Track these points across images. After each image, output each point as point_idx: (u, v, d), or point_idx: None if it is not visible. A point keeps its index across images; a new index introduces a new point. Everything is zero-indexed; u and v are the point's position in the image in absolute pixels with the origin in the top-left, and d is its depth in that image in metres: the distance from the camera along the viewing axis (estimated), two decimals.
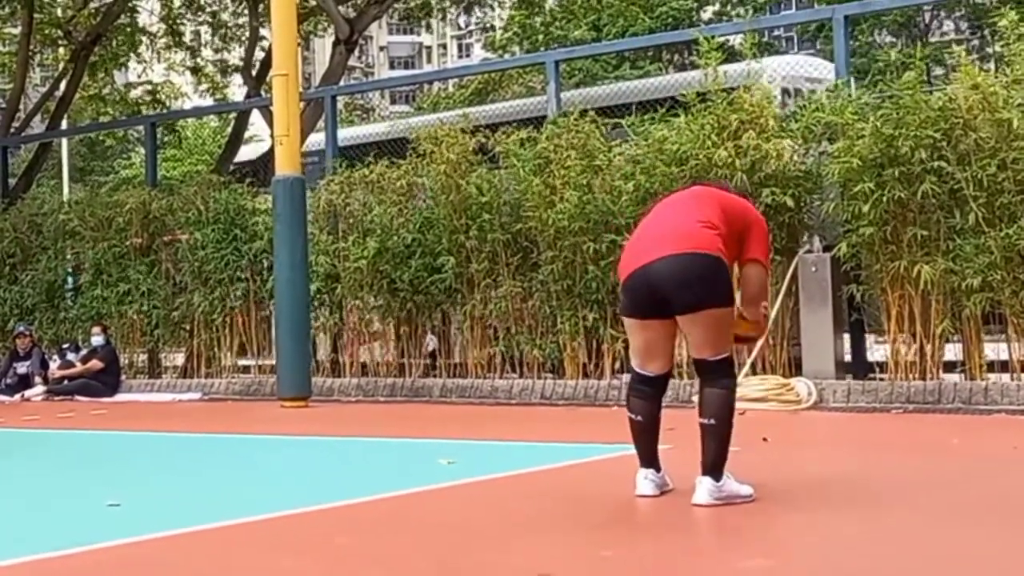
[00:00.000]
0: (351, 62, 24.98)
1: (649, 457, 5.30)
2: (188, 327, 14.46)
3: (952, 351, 10.24)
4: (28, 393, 14.54)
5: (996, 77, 10.01)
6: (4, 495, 6.26)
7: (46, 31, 21.88)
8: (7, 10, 22.08)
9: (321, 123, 16.95)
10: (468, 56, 74.31)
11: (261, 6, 19.84)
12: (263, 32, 20.48)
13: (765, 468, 6.03)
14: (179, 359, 14.75)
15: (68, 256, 15.73)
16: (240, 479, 6.67)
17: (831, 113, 10.37)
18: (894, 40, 42.06)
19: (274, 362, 12.46)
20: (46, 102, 22.83)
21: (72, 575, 4.15)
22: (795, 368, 10.45)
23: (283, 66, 11.92)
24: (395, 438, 8.51)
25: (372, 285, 12.68)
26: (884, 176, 9.87)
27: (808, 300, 10.44)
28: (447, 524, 4.89)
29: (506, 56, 40.62)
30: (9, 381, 14.94)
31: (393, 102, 62.38)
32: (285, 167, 11.74)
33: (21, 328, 15.23)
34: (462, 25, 62.92)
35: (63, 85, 21.76)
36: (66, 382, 14.40)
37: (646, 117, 11.34)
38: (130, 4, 21.75)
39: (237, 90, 27.35)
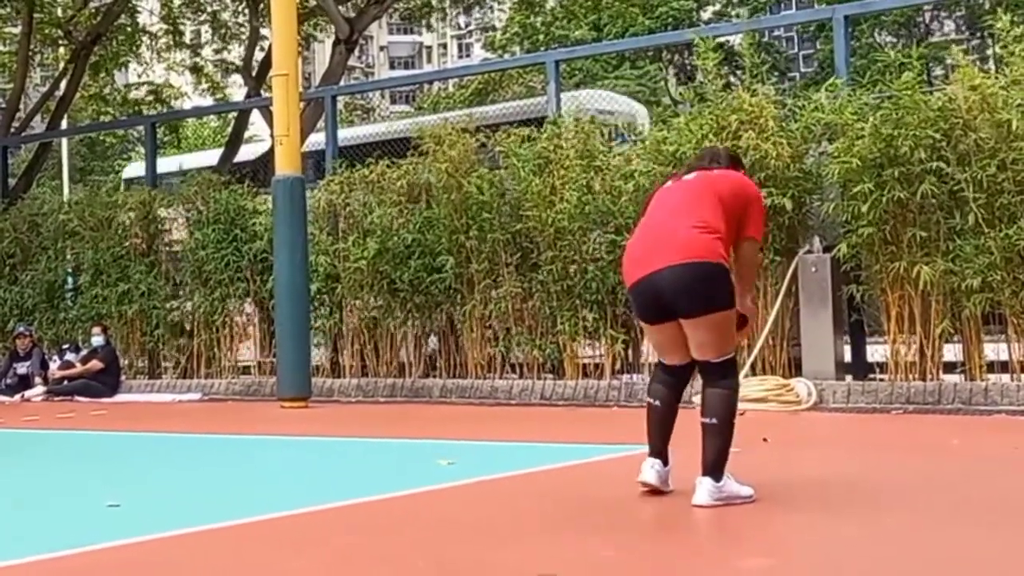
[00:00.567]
0: (351, 62, 24.99)
1: (660, 448, 5.36)
2: (188, 327, 14.47)
3: (952, 352, 10.24)
4: (28, 393, 14.54)
5: (996, 78, 10.01)
6: (3, 495, 6.25)
7: (46, 31, 21.88)
8: (7, 10, 22.09)
9: (321, 123, 16.97)
10: (468, 56, 74.38)
11: (261, 6, 19.84)
12: (263, 32, 20.48)
13: (765, 469, 6.03)
14: (178, 359, 14.73)
15: (68, 256, 15.72)
16: (240, 479, 6.67)
17: (831, 113, 10.37)
18: (894, 40, 42.06)
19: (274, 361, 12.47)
20: (46, 102, 22.83)
21: (72, 575, 4.15)
22: (795, 369, 10.45)
23: (283, 66, 11.91)
24: (395, 439, 8.51)
25: (372, 285, 12.68)
26: (884, 176, 9.87)
27: (808, 301, 10.44)
28: (447, 524, 4.89)
29: (506, 56, 40.62)
30: (9, 381, 14.95)
31: (393, 102, 62.37)
32: (285, 167, 11.73)
33: (21, 328, 15.23)
34: (462, 25, 62.97)
35: (63, 85, 21.77)
36: (66, 382, 14.40)
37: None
38: (130, 4, 21.75)
39: (237, 90, 27.36)
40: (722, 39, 13.36)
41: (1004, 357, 9.81)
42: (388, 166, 12.94)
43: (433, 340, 12.92)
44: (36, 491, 6.36)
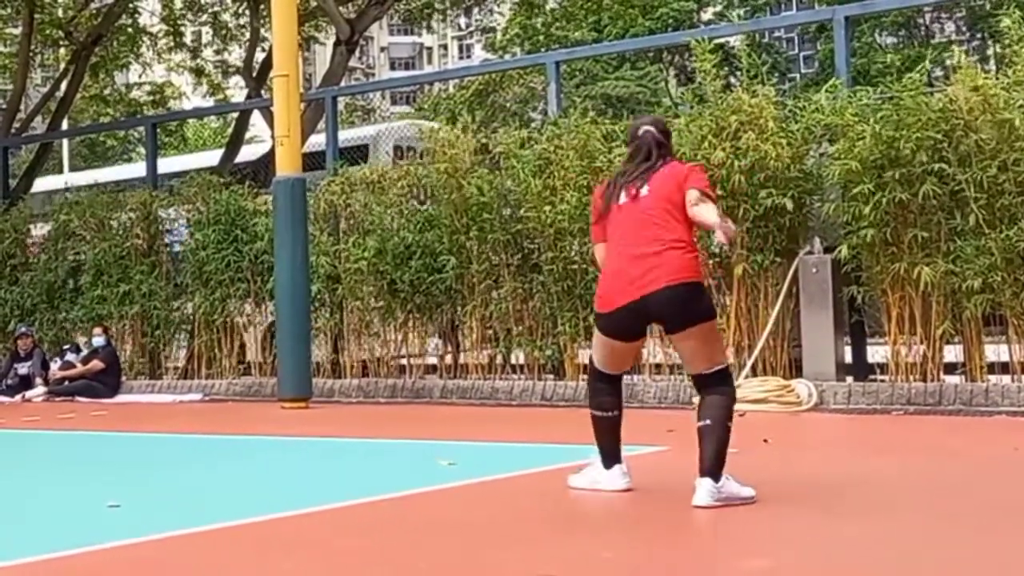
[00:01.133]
0: (352, 63, 24.97)
1: (617, 453, 5.53)
2: (189, 328, 14.48)
3: (952, 353, 10.24)
4: (29, 394, 14.54)
5: (997, 79, 10.01)
6: (4, 495, 6.26)
7: (47, 31, 21.86)
8: (8, 10, 22.08)
9: (322, 124, 16.98)
10: (469, 57, 74.31)
11: (262, 7, 19.83)
12: (264, 33, 20.48)
13: (765, 469, 6.03)
14: (179, 360, 14.74)
15: (69, 257, 15.73)
16: (240, 480, 6.67)
17: (831, 114, 10.37)
18: (895, 40, 42.08)
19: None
20: (47, 103, 22.83)
21: (72, 575, 4.15)
22: (796, 370, 10.45)
23: (284, 67, 11.91)
24: (395, 439, 8.52)
25: (373, 286, 12.68)
26: (885, 178, 9.87)
27: (809, 302, 10.43)
28: (447, 525, 4.89)
29: (507, 57, 40.62)
30: (10, 382, 14.95)
31: (394, 103, 62.40)
32: (286, 168, 11.74)
33: (23, 329, 15.24)
34: (463, 26, 62.97)
35: (64, 86, 21.76)
36: (67, 383, 14.40)
37: None
38: (131, 5, 21.75)
39: (238, 91, 27.35)
40: (722, 40, 13.36)
41: (1005, 358, 9.80)
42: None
43: (438, 342, 12.91)
44: (37, 491, 6.36)
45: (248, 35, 21.88)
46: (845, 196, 10.25)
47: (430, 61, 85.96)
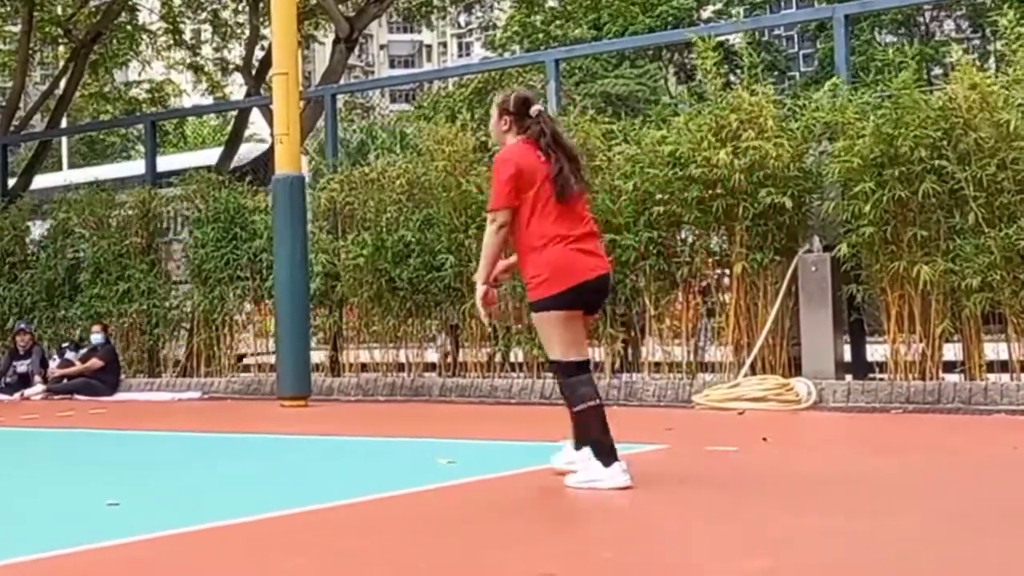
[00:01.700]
0: (351, 60, 24.94)
1: (614, 448, 5.47)
2: (188, 326, 14.49)
3: (952, 351, 10.24)
4: (28, 392, 14.53)
5: (996, 77, 10.00)
6: (2, 494, 6.25)
7: (46, 29, 21.86)
8: (7, 8, 22.06)
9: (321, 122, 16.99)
10: (468, 55, 74.34)
11: (261, 5, 19.83)
12: (263, 31, 20.47)
13: (764, 468, 6.03)
14: (178, 357, 14.73)
15: (68, 255, 15.72)
16: (239, 479, 6.66)
17: (831, 112, 10.37)
18: (895, 39, 42.05)
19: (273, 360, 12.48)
20: (46, 100, 22.82)
21: (71, 574, 4.15)
22: (795, 368, 10.45)
23: (283, 65, 11.90)
24: (394, 437, 8.51)
25: (371, 284, 12.66)
26: (884, 176, 9.87)
27: (808, 300, 10.43)
28: (447, 524, 4.89)
29: (506, 55, 40.60)
30: (9, 380, 14.95)
31: (393, 101, 62.36)
32: (285, 166, 11.74)
33: (21, 325, 15.23)
34: (462, 24, 62.95)
35: (63, 83, 21.76)
36: (65, 381, 14.40)
37: None
38: (129, 3, 21.74)
39: (237, 89, 27.33)
40: (722, 38, 13.35)
41: (1004, 357, 9.81)
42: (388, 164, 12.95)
43: (443, 340, 12.90)
44: (36, 490, 6.35)
45: (247, 33, 21.87)
46: (845, 194, 10.25)
47: (429, 59, 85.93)
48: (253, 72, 21.15)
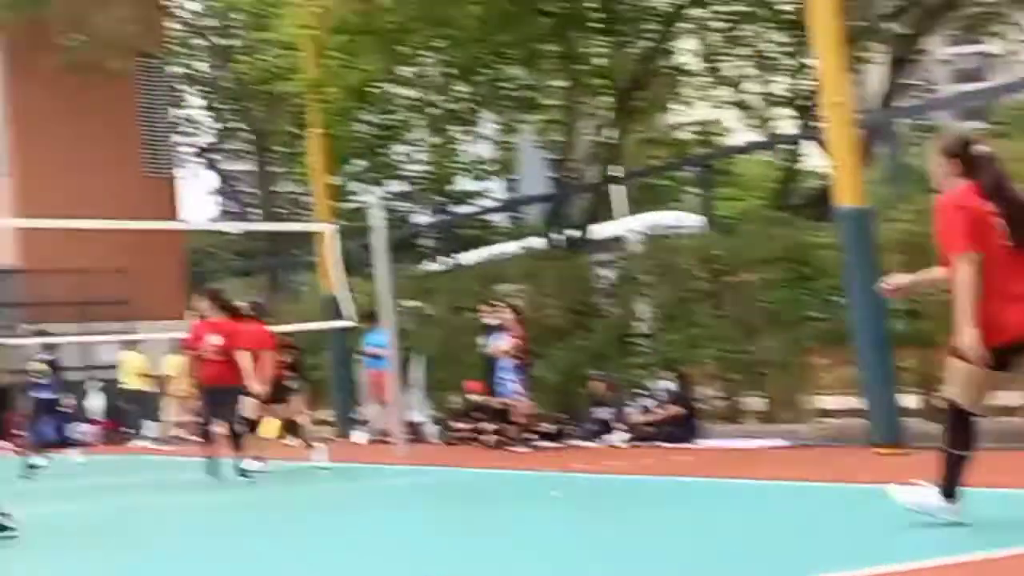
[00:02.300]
0: (908, 80, 23.83)
1: None
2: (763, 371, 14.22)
3: None
4: (609, 438, 14.82)
5: None
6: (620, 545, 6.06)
7: (587, 81, 22.60)
8: (550, 64, 23.03)
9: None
10: None
11: (804, 35, 19.39)
12: (807, 61, 20.00)
13: None
14: (757, 404, 14.51)
15: (634, 303, 16.01)
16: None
17: None
18: None
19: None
20: (596, 149, 23.59)
21: None
22: None
23: (834, 93, 11.56)
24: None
25: None
26: None
27: None
28: None
29: None
30: (590, 426, 15.36)
31: (965, 118, 59.20)
32: (846, 198, 11.42)
33: (595, 373, 15.65)
34: None
35: (611, 132, 22.40)
36: (645, 428, 14.55)
37: None
38: (665, 48, 22.05)
39: (785, 122, 26.99)
40: None
41: None
42: None
43: None
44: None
45: (792, 65, 21.51)
46: None
47: (995, 71, 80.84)
48: (805, 104, 20.72)
